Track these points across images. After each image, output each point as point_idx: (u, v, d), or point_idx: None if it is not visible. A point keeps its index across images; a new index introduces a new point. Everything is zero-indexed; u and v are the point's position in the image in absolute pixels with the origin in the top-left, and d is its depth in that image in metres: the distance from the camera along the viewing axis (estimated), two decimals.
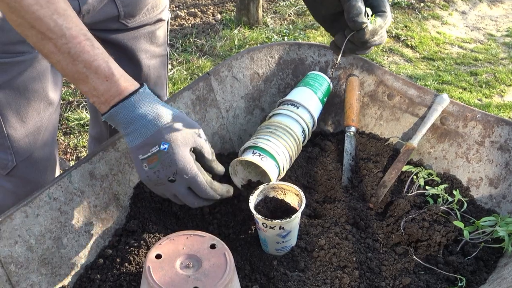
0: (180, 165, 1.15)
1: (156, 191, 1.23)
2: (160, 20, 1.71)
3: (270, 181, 1.38)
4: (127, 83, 1.14)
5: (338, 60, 1.38)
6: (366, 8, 1.29)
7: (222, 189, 1.27)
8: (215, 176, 1.29)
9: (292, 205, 1.34)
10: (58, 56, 1.07)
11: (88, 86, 1.11)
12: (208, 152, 1.24)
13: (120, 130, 1.18)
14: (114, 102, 1.13)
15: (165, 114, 1.16)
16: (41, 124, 1.48)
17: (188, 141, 1.18)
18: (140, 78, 1.73)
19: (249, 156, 1.39)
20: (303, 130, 1.52)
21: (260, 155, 1.39)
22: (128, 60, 1.67)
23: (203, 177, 1.20)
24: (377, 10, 1.32)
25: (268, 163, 1.38)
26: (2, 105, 1.38)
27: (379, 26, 1.30)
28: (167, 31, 1.79)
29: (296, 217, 1.26)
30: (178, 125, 1.17)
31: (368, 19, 1.28)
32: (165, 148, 1.14)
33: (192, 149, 1.20)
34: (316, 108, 1.59)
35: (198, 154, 1.22)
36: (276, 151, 1.41)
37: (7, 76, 1.36)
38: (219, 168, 1.29)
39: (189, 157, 1.17)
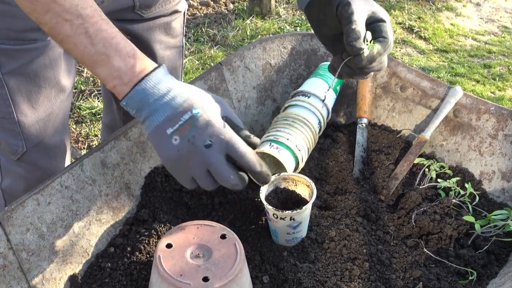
0: (217, 125, 1.09)
1: (182, 175, 1.12)
2: (176, 11, 1.69)
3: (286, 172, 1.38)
4: (150, 61, 1.11)
5: (332, 84, 1.35)
6: (367, 32, 1.22)
7: (261, 162, 1.15)
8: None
9: (303, 196, 1.34)
10: (75, 39, 1.04)
11: (109, 67, 1.06)
12: (239, 121, 1.16)
13: (142, 113, 1.10)
14: (140, 78, 1.07)
15: (191, 86, 1.13)
16: (51, 111, 1.48)
17: (218, 108, 1.12)
18: None
19: (266, 148, 1.38)
20: (319, 122, 1.52)
21: (277, 147, 1.38)
22: (143, 50, 1.66)
23: (242, 142, 1.12)
24: (378, 36, 1.24)
25: (285, 155, 1.38)
26: (13, 91, 1.39)
27: (377, 53, 1.22)
28: (184, 23, 1.77)
29: (307, 208, 1.26)
30: (206, 94, 1.13)
31: (367, 44, 1.21)
32: (197, 112, 1.08)
33: (224, 118, 1.13)
34: (329, 97, 1.59)
35: (229, 123, 1.14)
36: (296, 145, 1.41)
37: (18, 63, 1.37)
38: (253, 139, 1.17)
39: (222, 121, 1.11)
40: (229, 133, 1.10)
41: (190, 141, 1.08)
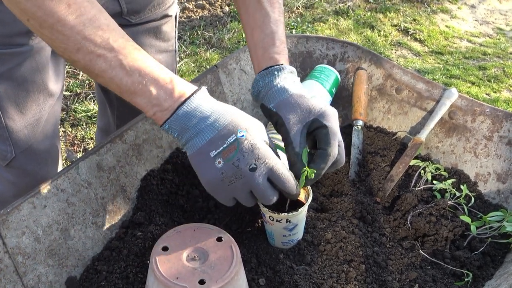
0: (262, 148, 1.09)
1: (224, 195, 1.14)
2: (167, 15, 1.67)
3: None
4: (189, 84, 1.10)
5: None
6: (304, 150, 1.19)
7: (297, 183, 1.18)
8: None
9: (299, 198, 1.34)
10: (111, 72, 1.03)
11: (147, 95, 1.06)
12: (273, 146, 1.17)
13: (184, 136, 1.09)
14: (180, 102, 1.07)
15: (233, 107, 1.12)
16: (40, 115, 1.47)
17: (262, 131, 1.13)
18: None
19: None
20: None
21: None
22: None
23: (284, 167, 1.13)
24: (320, 146, 1.21)
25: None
26: (0, 96, 1.38)
27: (317, 175, 1.20)
28: (175, 26, 1.75)
29: (303, 211, 1.26)
30: (249, 116, 1.13)
31: (304, 169, 1.19)
32: (242, 135, 1.07)
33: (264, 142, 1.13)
34: (325, 99, 1.59)
35: None
36: None
37: (5, 67, 1.36)
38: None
39: (266, 145, 1.11)
40: (273, 158, 1.10)
41: (235, 164, 1.07)
